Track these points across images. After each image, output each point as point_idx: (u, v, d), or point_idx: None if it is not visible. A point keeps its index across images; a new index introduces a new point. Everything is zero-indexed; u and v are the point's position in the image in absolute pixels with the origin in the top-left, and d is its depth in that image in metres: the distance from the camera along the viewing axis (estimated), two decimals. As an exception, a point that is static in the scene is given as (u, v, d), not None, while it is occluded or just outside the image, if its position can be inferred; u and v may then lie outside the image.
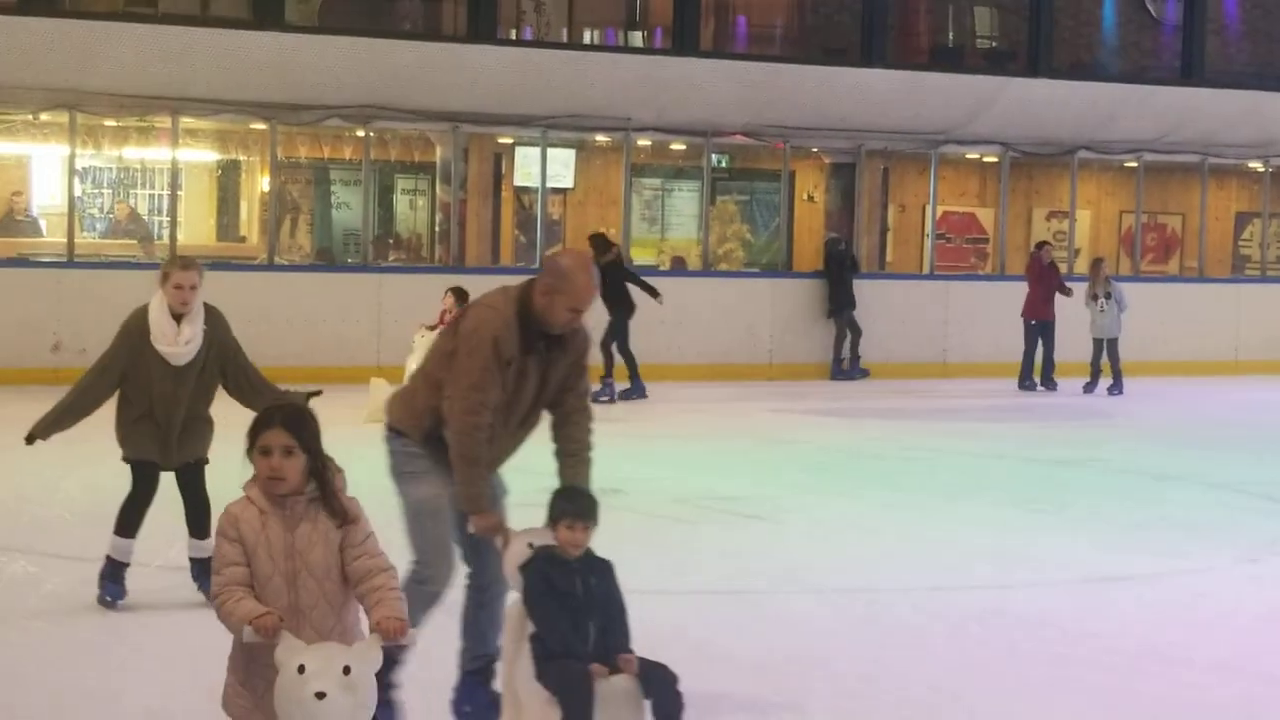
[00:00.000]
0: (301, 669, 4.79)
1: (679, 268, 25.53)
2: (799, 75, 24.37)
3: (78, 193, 22.42)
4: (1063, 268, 24.84)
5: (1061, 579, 10.65)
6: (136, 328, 9.10)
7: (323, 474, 5.15)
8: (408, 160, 25.58)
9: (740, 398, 21.45)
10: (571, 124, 23.68)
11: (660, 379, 21.69)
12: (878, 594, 10.01)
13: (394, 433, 7.02)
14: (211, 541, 7.83)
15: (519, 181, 25.98)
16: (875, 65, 25.01)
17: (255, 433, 5.15)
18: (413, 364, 17.57)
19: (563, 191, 26.19)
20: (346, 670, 4.80)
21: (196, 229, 24.58)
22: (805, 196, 27.82)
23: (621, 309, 20.51)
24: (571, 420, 6.96)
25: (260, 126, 22.66)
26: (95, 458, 14.25)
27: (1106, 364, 22.95)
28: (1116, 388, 22.70)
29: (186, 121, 22.07)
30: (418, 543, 6.92)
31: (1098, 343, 23.03)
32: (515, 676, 6.41)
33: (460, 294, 17.92)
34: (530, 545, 6.48)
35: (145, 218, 24.22)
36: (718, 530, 12.17)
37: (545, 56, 23.49)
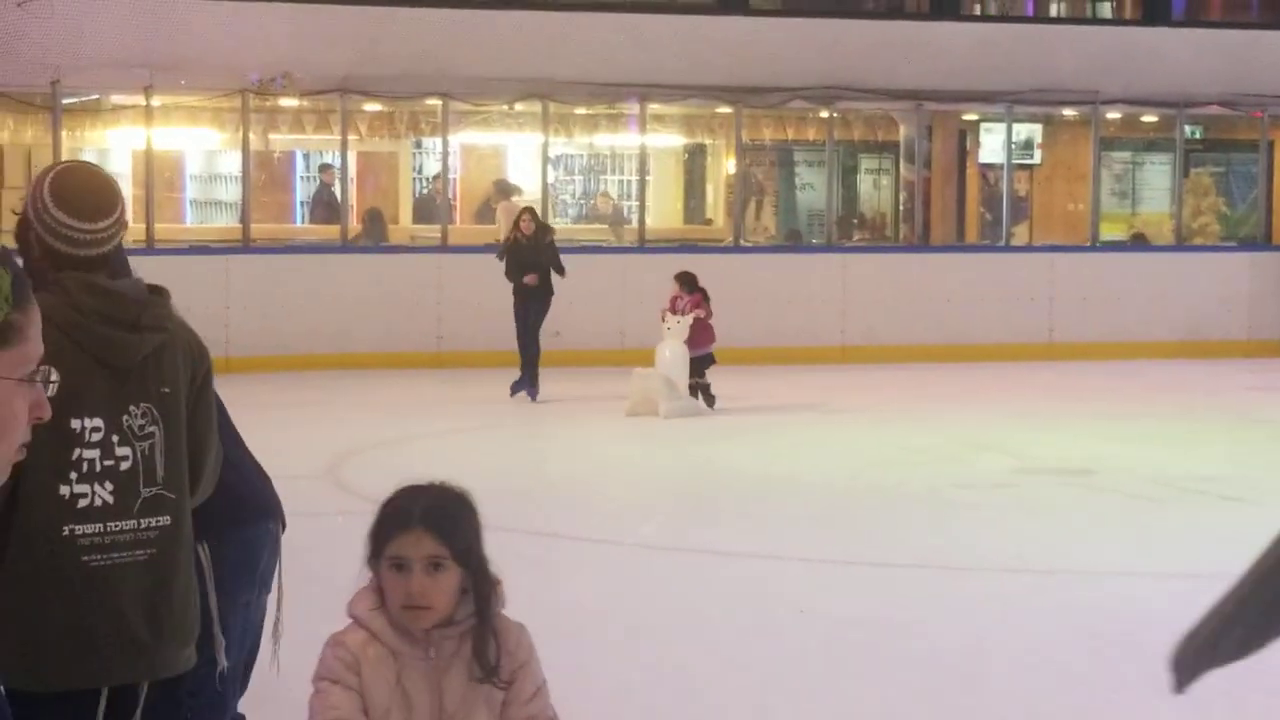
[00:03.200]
0: None
1: (1139, 243, 24.87)
2: (1278, 42, 23.46)
3: (550, 179, 23.12)
4: None
5: None
6: None
7: (485, 597, 3.48)
8: (871, 140, 25.56)
9: (1214, 374, 20.74)
10: (1037, 99, 23.28)
11: (1132, 356, 21.26)
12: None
13: None
14: None
15: (984, 159, 25.70)
16: (1363, 27, 23.93)
17: (383, 534, 3.47)
18: (665, 351, 16.74)
19: (1029, 168, 25.81)
20: None
21: (664, 213, 25.11)
22: (1285, 167, 26.74)
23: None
24: None
25: (725, 110, 22.96)
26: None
27: None
28: None
29: (654, 107, 22.52)
30: None
31: None
32: None
33: (686, 279, 17.05)
34: None
35: (615, 201, 24.91)
36: (1194, 511, 11.82)
37: (1009, 31, 23.24)
